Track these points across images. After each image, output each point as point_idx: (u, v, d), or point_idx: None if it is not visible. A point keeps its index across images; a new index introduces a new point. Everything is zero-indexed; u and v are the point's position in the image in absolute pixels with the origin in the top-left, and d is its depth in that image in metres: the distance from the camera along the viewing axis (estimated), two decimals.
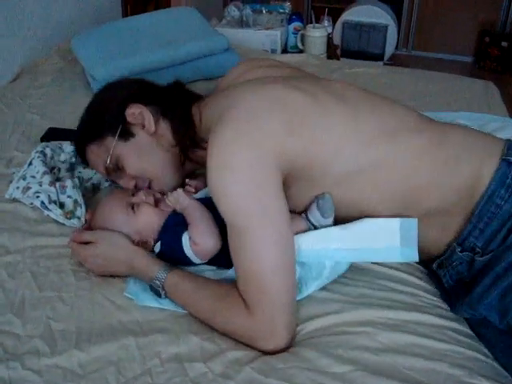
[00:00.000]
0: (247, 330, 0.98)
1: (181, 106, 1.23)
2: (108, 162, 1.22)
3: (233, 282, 1.04)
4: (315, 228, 1.09)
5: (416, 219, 1.05)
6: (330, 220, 1.09)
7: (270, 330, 0.97)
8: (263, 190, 0.98)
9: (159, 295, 1.08)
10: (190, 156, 1.23)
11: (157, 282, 1.07)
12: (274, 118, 1.02)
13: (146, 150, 1.23)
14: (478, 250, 1.03)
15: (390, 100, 1.17)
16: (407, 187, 1.07)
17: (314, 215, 1.08)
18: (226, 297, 1.02)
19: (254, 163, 0.98)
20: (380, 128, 1.08)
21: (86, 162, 1.33)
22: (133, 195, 1.22)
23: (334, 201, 1.07)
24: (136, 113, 1.21)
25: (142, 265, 1.11)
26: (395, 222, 1.06)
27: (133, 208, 1.19)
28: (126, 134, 1.22)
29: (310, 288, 1.07)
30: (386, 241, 1.06)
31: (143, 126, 1.22)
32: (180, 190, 1.16)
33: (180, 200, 1.15)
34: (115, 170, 1.25)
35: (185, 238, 1.13)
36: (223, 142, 0.99)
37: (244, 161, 0.98)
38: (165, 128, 1.23)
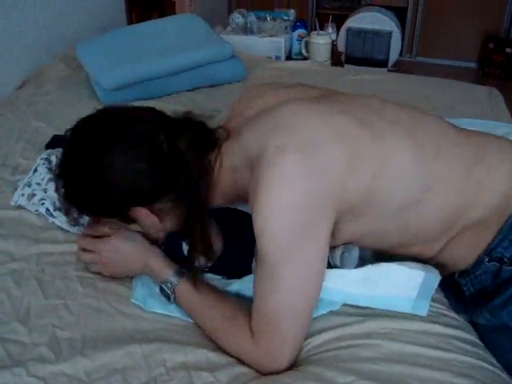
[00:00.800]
0: (249, 357, 0.98)
1: (201, 199, 1.04)
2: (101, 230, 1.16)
3: (242, 306, 1.03)
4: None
5: (439, 276, 1.04)
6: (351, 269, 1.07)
7: (272, 362, 0.96)
8: (311, 234, 0.92)
9: (168, 298, 1.08)
10: None
11: (168, 284, 1.07)
12: (335, 155, 0.93)
13: (147, 227, 1.12)
14: (505, 260, 1.01)
15: (425, 112, 1.12)
16: (455, 205, 1.02)
17: (336, 263, 1.06)
18: (233, 320, 1.01)
19: (310, 203, 0.91)
20: (430, 147, 1.02)
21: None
22: None
23: (384, 229, 1.04)
24: (139, 215, 1.06)
25: (156, 265, 1.11)
26: (419, 276, 1.03)
27: None
28: (127, 218, 1.09)
29: (319, 313, 1.06)
30: (404, 291, 1.04)
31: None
32: None
33: None
34: None
35: (185, 247, 1.14)
36: (279, 175, 0.90)
37: (300, 199, 0.90)
38: (175, 214, 1.07)
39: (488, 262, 1.03)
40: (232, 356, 1.00)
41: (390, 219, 1.02)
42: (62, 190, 1.06)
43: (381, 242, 1.08)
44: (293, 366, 0.98)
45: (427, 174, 1.00)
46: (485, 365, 0.98)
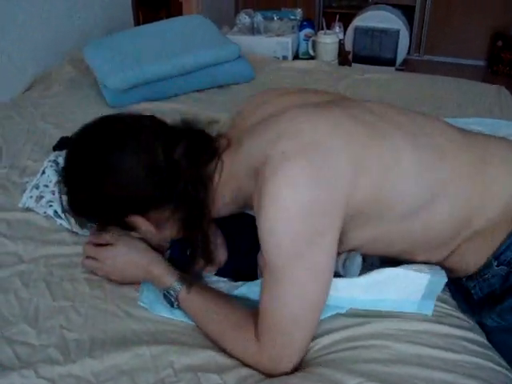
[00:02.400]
0: (254, 361, 0.97)
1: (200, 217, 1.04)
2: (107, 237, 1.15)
3: (247, 311, 1.02)
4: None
5: (446, 278, 1.03)
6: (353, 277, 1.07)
7: (277, 367, 0.96)
8: (318, 240, 0.90)
9: (172, 305, 1.08)
10: None
11: (171, 292, 1.07)
12: (342, 155, 0.91)
13: (151, 235, 1.11)
14: None
15: (430, 116, 1.11)
16: (463, 210, 1.02)
17: (339, 270, 1.06)
18: (238, 325, 1.01)
19: (317, 208, 0.88)
20: (436, 151, 1.01)
21: None
22: None
23: (391, 236, 1.03)
24: (136, 222, 1.05)
25: (159, 272, 1.11)
26: (424, 278, 1.03)
27: None
28: (126, 226, 1.07)
29: (321, 317, 1.04)
30: (409, 295, 1.04)
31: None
32: None
33: None
34: None
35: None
36: (285, 182, 0.88)
37: (306, 210, 0.88)
38: (175, 223, 1.06)
39: (497, 266, 1.02)
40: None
41: (395, 226, 1.00)
42: (65, 198, 1.07)
43: (386, 249, 1.07)
44: (299, 366, 0.98)
45: (432, 181, 0.99)
46: (493, 366, 0.97)
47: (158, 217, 1.05)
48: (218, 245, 1.13)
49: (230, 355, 1.00)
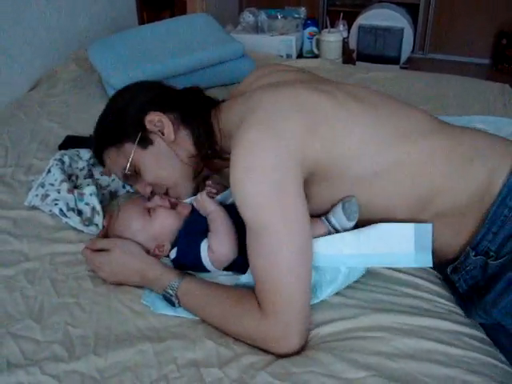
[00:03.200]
0: (260, 333, 0.99)
1: (201, 113, 1.22)
2: (126, 168, 1.21)
3: (247, 290, 1.05)
4: (336, 231, 1.09)
5: (431, 224, 1.05)
6: (353, 223, 1.09)
7: (283, 333, 0.97)
8: (285, 191, 0.98)
9: (173, 304, 1.09)
10: (209, 165, 1.25)
11: (170, 290, 1.08)
12: (294, 119, 1.02)
13: (164, 158, 1.21)
14: (491, 253, 1.03)
15: (404, 103, 1.18)
16: (422, 189, 1.07)
17: (339, 218, 1.08)
18: (240, 301, 1.03)
19: (277, 165, 0.98)
20: (397, 130, 1.08)
21: (103, 164, 1.32)
22: (148, 200, 1.24)
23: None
24: (155, 120, 1.19)
25: (155, 274, 1.12)
26: (409, 228, 1.05)
27: (149, 213, 1.21)
28: (145, 141, 1.20)
29: (325, 293, 1.07)
30: (400, 246, 1.06)
31: (162, 134, 1.20)
32: (205, 195, 1.18)
33: (206, 205, 1.17)
34: (133, 175, 1.23)
35: (203, 246, 1.14)
36: (247, 145, 0.99)
37: (268, 163, 0.98)
38: (184, 136, 1.22)
39: (474, 256, 1.04)
40: (243, 342, 1.01)
41: (349, 190, 1.08)
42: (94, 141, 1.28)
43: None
44: (303, 349, 0.99)
45: (391, 153, 1.07)
46: (494, 361, 0.98)
47: (172, 120, 1.20)
48: (232, 242, 1.14)
49: (237, 337, 1.02)
